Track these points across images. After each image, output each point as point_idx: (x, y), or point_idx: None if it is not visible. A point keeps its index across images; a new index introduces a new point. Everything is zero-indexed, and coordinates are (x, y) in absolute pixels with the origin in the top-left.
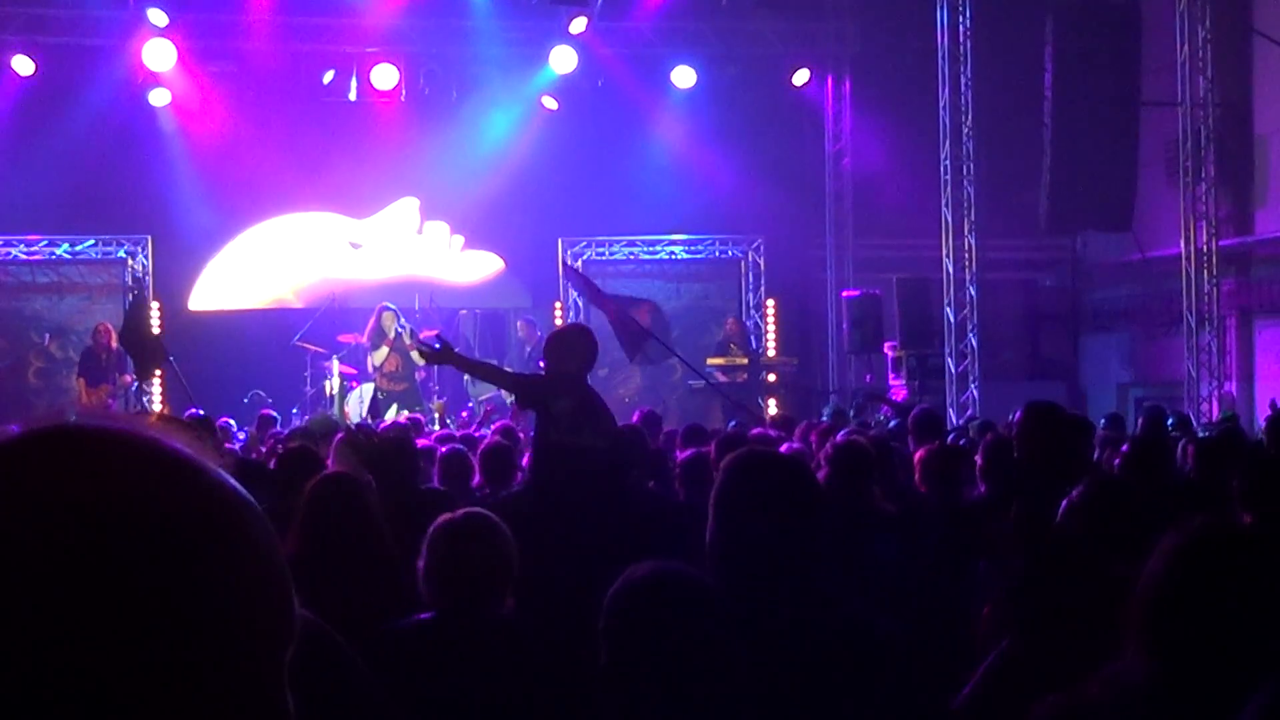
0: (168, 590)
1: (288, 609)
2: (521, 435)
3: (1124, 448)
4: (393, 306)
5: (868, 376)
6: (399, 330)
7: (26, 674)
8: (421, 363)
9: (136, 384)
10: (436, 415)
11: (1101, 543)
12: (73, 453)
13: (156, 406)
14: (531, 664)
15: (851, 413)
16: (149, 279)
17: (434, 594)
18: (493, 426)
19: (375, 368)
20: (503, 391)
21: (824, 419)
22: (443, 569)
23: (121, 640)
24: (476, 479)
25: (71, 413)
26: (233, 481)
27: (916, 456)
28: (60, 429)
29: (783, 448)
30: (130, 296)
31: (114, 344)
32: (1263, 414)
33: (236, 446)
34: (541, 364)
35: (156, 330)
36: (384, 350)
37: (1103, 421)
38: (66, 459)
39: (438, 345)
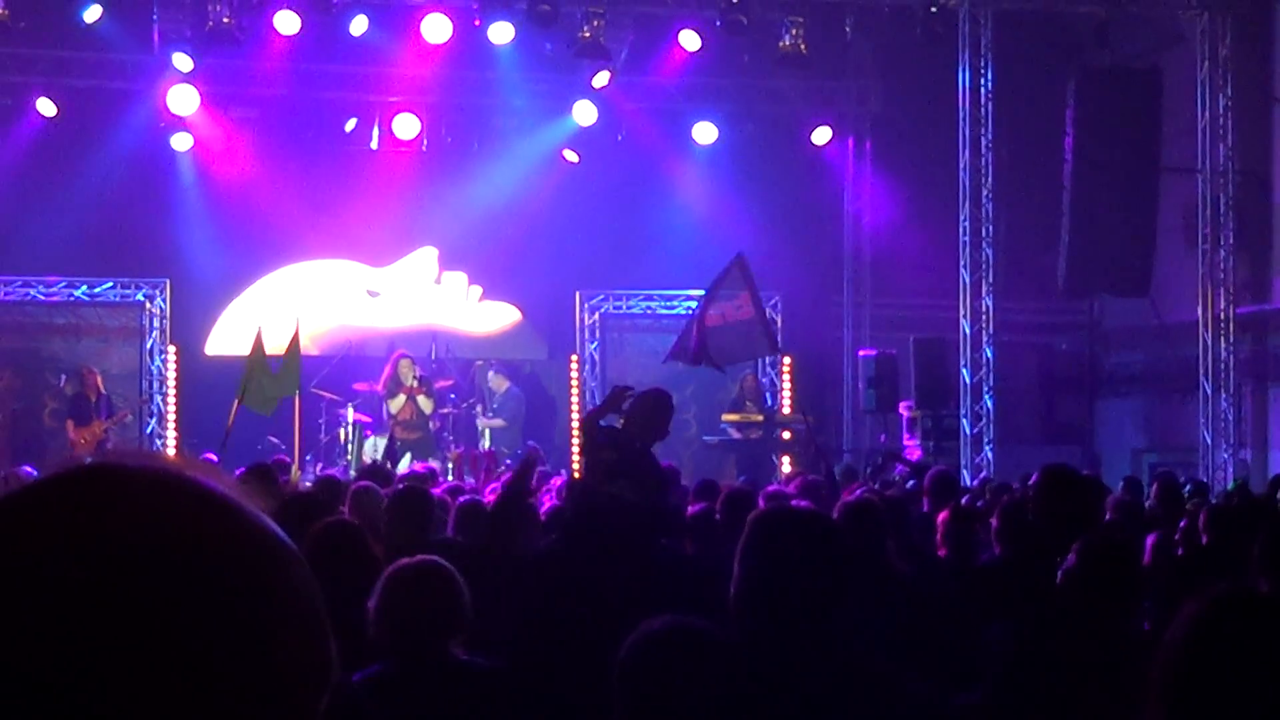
0: (207, 633)
1: (326, 658)
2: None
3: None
4: (410, 355)
5: (882, 436)
6: (416, 378)
7: (63, 712)
8: (428, 407)
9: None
10: (451, 466)
11: (1097, 599)
12: (114, 490)
13: (171, 447)
14: (486, 708)
15: (869, 471)
16: (166, 323)
17: (384, 638)
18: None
19: (391, 415)
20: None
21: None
22: (392, 614)
23: (158, 682)
24: None
25: (99, 454)
26: (274, 526)
27: (939, 518)
28: (103, 466)
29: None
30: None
31: (100, 385)
32: None
33: None
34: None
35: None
36: (400, 398)
37: (1120, 485)
38: (108, 496)
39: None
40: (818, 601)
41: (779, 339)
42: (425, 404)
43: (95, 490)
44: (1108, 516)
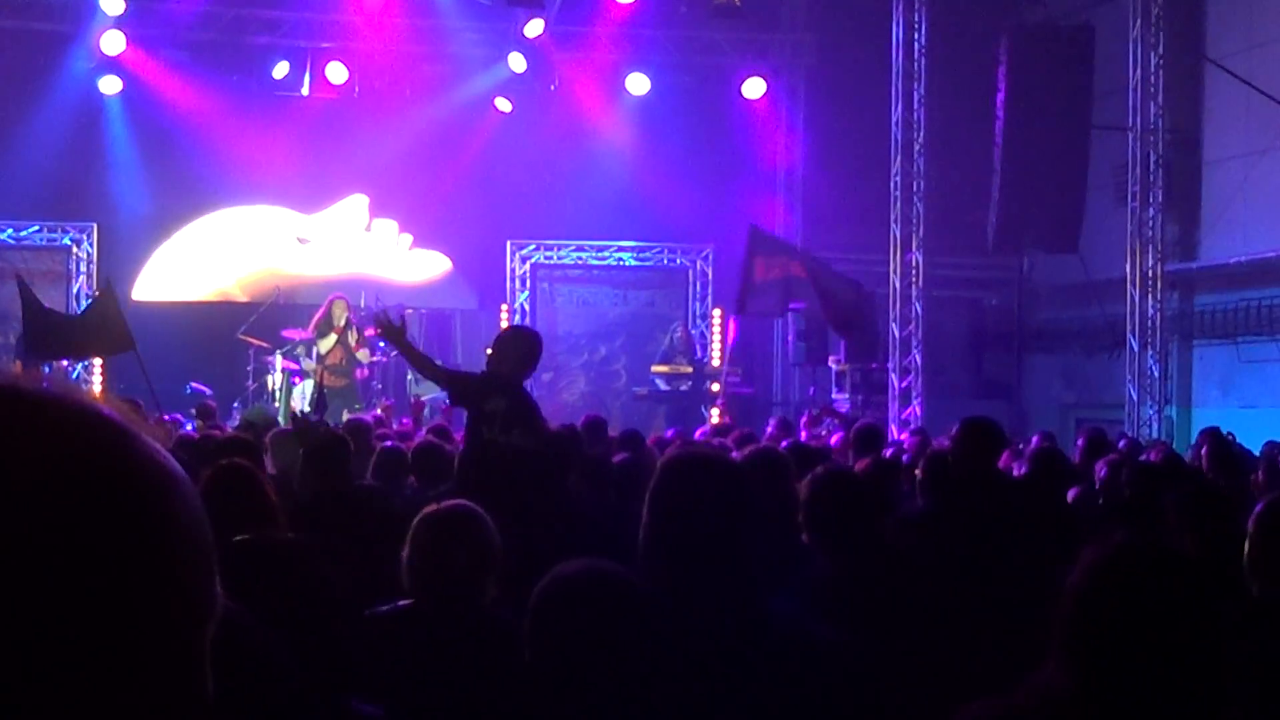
0: (95, 555)
1: (212, 585)
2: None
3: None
4: (345, 297)
5: (811, 389)
6: (350, 320)
7: None
8: (365, 358)
9: (74, 368)
10: (384, 415)
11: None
12: (4, 411)
13: (96, 390)
14: (510, 658)
15: (806, 421)
16: (93, 267)
17: (415, 584)
18: (427, 426)
19: (319, 357)
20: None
21: (769, 430)
22: (425, 560)
23: (42, 606)
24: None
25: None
26: (166, 454)
27: (858, 468)
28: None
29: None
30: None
31: None
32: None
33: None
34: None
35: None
36: (331, 339)
37: (1034, 438)
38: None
39: (398, 322)
40: (726, 546)
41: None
42: (363, 355)
43: None
44: (1025, 469)
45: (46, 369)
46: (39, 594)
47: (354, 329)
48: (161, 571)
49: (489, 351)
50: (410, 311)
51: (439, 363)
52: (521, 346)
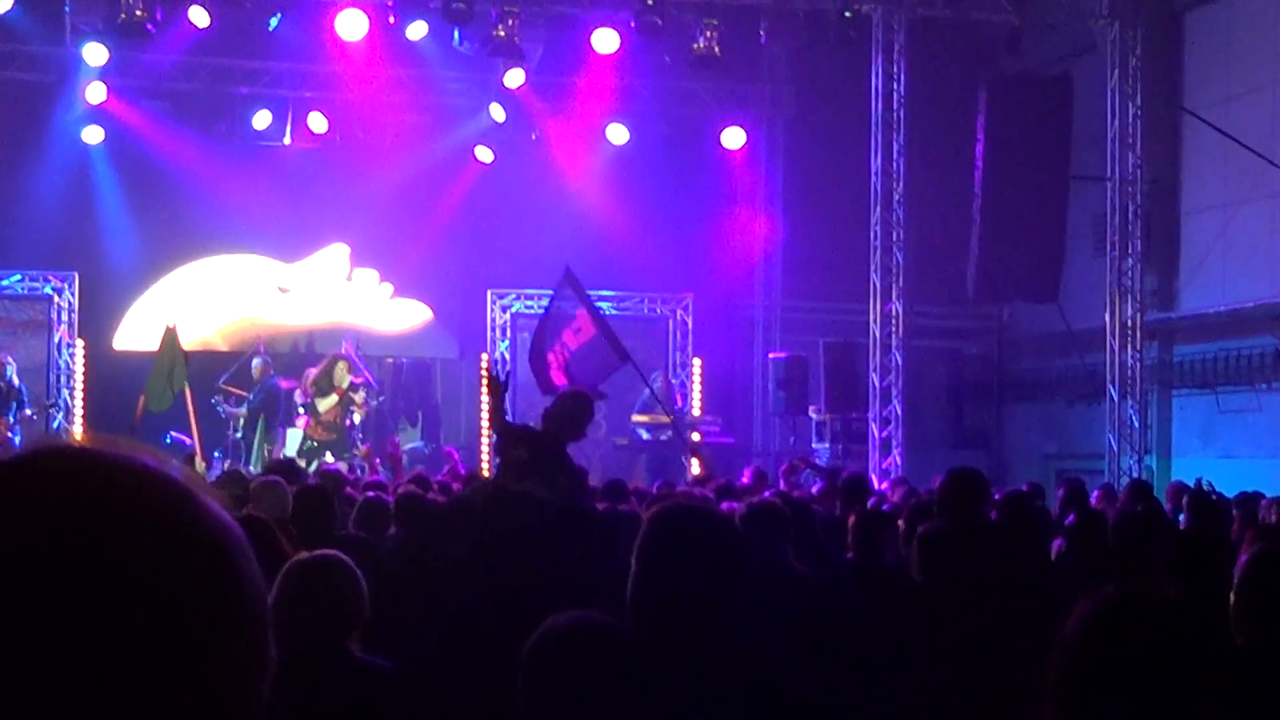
0: (164, 611)
1: (267, 641)
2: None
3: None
4: (349, 358)
5: (791, 439)
6: (353, 383)
7: (13, 695)
8: (360, 415)
9: (35, 416)
10: (364, 462)
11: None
12: (77, 472)
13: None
14: (377, 709)
15: (782, 473)
16: (74, 316)
17: (280, 631)
18: (407, 475)
19: (315, 413)
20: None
21: (744, 480)
22: (289, 607)
23: (114, 660)
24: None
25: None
26: (227, 513)
27: (849, 521)
28: (65, 448)
29: (724, 506)
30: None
31: (14, 378)
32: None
33: None
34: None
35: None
36: (332, 398)
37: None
38: (71, 478)
39: (503, 379)
40: (711, 599)
41: (622, 345)
42: (357, 416)
43: (56, 469)
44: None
45: (8, 419)
46: (110, 650)
47: (355, 389)
48: (225, 627)
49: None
50: (390, 360)
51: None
52: (567, 406)
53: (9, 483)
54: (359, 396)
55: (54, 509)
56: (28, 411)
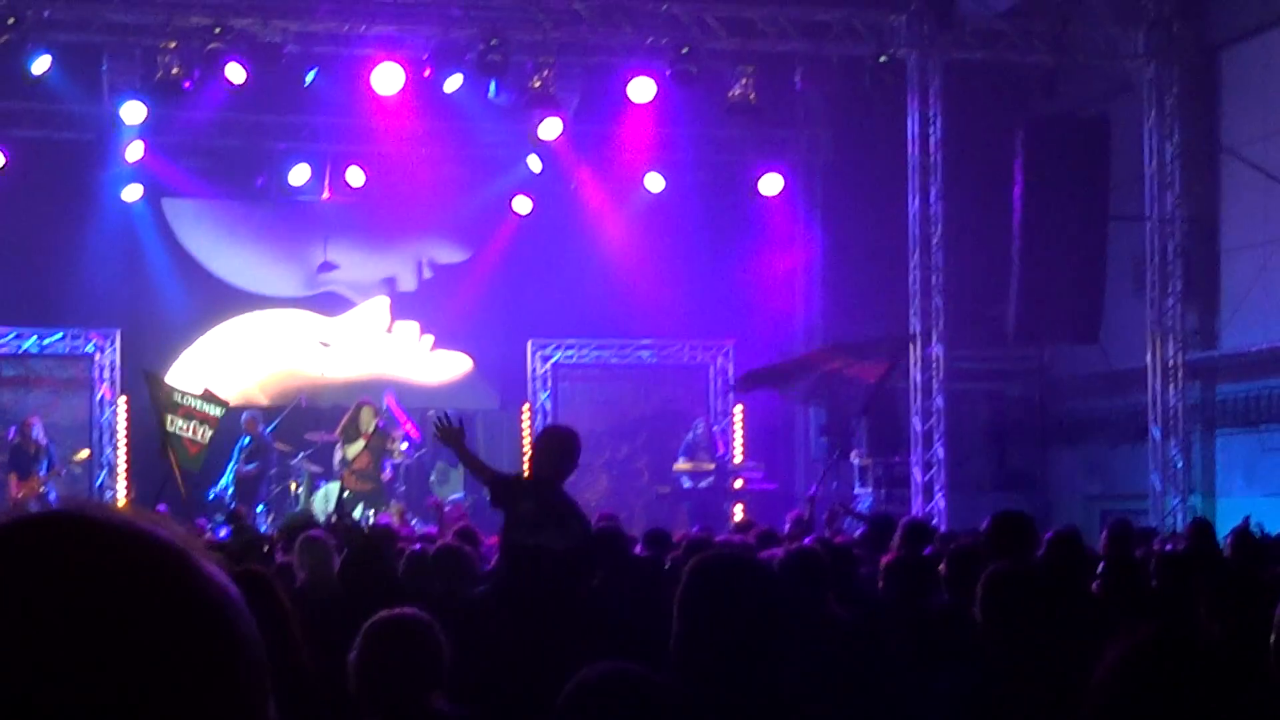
0: (163, 677)
1: (267, 704)
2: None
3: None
4: (373, 404)
5: (834, 485)
6: (379, 426)
7: None
8: (398, 455)
9: (64, 474)
10: (396, 518)
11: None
12: (69, 540)
13: (121, 499)
14: None
15: (825, 518)
16: (116, 374)
17: (364, 690)
18: (453, 529)
19: (345, 462)
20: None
21: (785, 528)
22: (372, 666)
23: None
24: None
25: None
26: (225, 577)
27: (882, 562)
28: (59, 515)
29: (764, 554)
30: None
31: (37, 436)
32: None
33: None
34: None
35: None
36: (359, 444)
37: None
38: (64, 546)
39: (457, 424)
40: (755, 649)
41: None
42: (391, 456)
43: (49, 537)
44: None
45: (40, 477)
46: (109, 710)
47: (381, 434)
48: (226, 693)
49: (525, 455)
50: (431, 412)
51: (489, 466)
52: (555, 446)
53: (7, 546)
54: (393, 445)
55: (48, 573)
56: (59, 469)
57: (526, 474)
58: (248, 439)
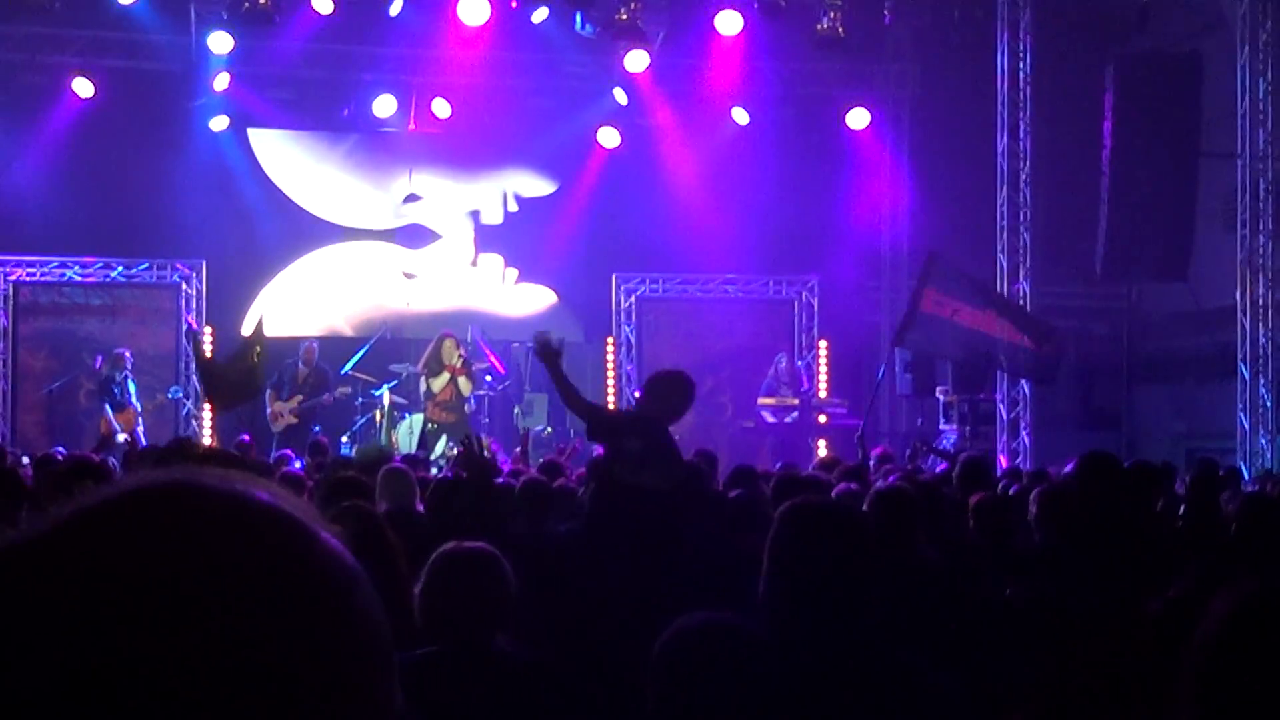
0: (283, 656)
1: (391, 683)
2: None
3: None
4: (455, 335)
5: (919, 421)
6: (461, 359)
7: None
8: (467, 390)
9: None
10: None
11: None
12: (187, 513)
13: (206, 431)
14: (528, 701)
15: (907, 455)
16: (203, 304)
17: (428, 625)
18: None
19: (429, 394)
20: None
21: (870, 462)
22: (438, 601)
23: (234, 709)
24: None
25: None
26: (346, 550)
27: (972, 502)
28: (176, 486)
29: (839, 487)
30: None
31: (128, 368)
32: None
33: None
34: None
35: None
36: (444, 377)
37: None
38: (182, 520)
39: (557, 344)
40: (847, 597)
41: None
42: (465, 386)
43: (167, 511)
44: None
45: (133, 409)
46: (228, 699)
47: (465, 364)
48: (346, 671)
49: (637, 394)
50: (516, 345)
51: (581, 395)
52: (672, 386)
53: (111, 525)
54: (465, 374)
55: (168, 550)
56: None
57: (634, 411)
58: (302, 366)
